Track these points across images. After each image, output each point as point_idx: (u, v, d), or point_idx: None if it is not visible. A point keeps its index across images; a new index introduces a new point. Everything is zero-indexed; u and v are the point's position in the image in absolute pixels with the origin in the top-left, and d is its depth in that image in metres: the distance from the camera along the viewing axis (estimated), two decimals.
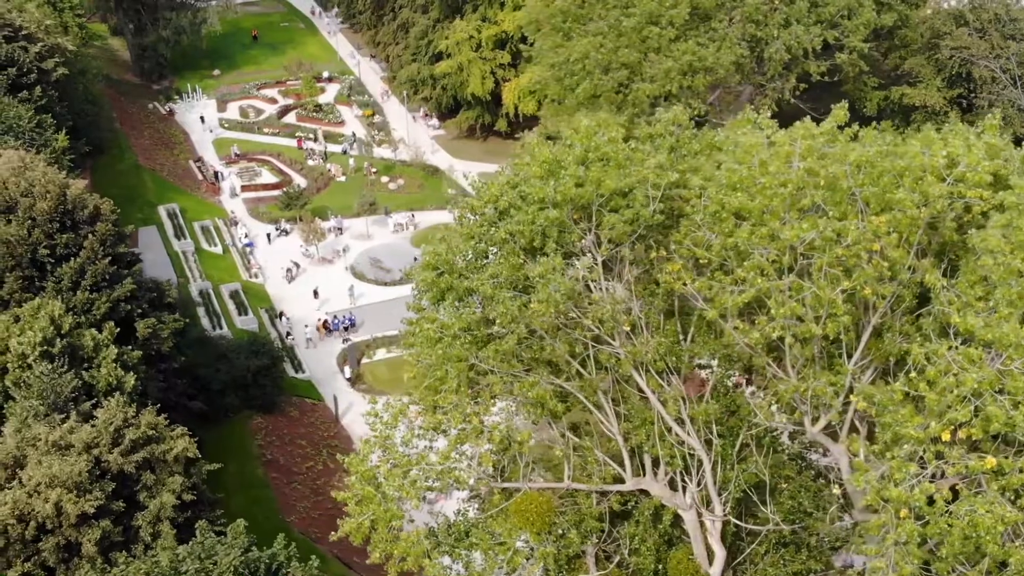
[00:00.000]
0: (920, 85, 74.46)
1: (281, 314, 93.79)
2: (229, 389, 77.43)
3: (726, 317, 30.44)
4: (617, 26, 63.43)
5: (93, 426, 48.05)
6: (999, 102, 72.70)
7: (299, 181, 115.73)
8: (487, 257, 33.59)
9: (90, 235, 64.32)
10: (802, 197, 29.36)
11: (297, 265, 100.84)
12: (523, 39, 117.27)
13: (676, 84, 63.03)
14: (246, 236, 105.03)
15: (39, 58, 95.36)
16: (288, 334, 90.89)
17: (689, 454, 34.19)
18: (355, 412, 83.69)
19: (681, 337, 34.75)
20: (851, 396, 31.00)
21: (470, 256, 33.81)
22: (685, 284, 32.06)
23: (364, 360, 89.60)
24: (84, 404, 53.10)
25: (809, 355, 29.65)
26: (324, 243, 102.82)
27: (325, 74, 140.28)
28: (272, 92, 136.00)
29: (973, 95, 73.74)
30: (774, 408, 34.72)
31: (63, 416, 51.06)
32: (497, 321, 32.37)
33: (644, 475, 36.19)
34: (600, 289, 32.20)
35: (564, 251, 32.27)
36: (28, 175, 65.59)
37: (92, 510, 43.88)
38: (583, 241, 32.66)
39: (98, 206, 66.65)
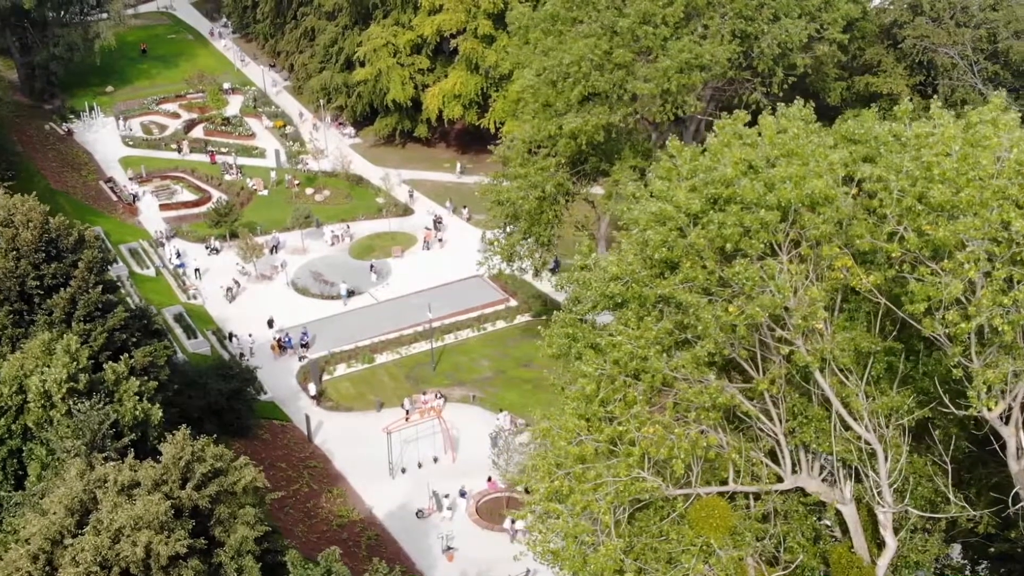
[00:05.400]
0: (883, 74, 76.57)
1: (231, 335, 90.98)
2: (205, 415, 74.61)
3: (931, 310, 30.55)
4: (612, 27, 63.35)
5: (158, 462, 45.70)
6: (960, 87, 75.30)
7: (219, 196, 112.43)
8: (667, 263, 33.00)
9: (78, 263, 61.33)
10: (1008, 188, 29.72)
11: (237, 284, 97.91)
12: (439, 44, 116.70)
13: (674, 83, 63.30)
14: (177, 256, 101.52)
15: None
16: (242, 355, 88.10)
17: (867, 450, 34.23)
18: (325, 431, 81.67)
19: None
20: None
21: (654, 263, 33.12)
22: (862, 279, 32.07)
23: (325, 376, 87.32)
24: (123, 440, 50.66)
25: (1012, 340, 30.07)
26: (261, 260, 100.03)
27: (226, 85, 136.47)
28: (172, 106, 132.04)
29: (936, 81, 76.16)
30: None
31: (104, 455, 48.55)
32: (700, 328, 31.83)
33: (800, 472, 36.14)
34: (797, 289, 31.95)
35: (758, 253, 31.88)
36: (5, 203, 62.19)
37: (184, 550, 41.67)
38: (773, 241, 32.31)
39: (82, 233, 63.62)
